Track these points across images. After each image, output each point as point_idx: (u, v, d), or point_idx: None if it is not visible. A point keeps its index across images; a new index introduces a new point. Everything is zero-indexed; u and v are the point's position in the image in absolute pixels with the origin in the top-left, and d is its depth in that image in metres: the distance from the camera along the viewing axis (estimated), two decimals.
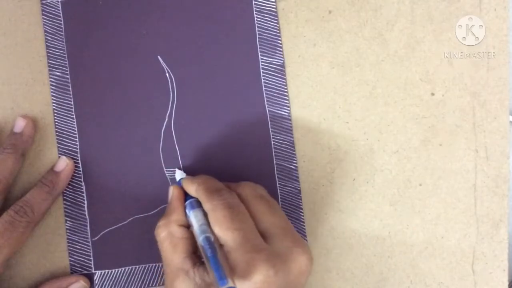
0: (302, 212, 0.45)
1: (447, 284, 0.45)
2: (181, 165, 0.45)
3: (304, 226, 0.45)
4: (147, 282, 0.45)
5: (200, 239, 0.38)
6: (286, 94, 0.45)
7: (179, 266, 0.39)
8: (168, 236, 0.40)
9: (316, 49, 0.45)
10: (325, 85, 0.45)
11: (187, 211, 0.41)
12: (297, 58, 0.45)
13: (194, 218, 0.39)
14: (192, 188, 0.41)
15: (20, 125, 0.44)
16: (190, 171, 0.45)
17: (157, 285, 0.45)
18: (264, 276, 0.36)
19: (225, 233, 0.37)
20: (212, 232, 0.38)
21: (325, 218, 0.45)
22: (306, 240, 0.45)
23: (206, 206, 0.39)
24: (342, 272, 0.45)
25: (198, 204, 0.40)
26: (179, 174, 0.44)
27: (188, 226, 0.40)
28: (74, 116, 0.45)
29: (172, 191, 0.42)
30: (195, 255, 0.39)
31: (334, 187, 0.45)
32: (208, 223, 0.39)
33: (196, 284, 0.38)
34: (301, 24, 0.45)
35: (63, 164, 0.44)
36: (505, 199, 0.45)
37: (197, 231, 0.38)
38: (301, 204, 0.45)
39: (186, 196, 0.42)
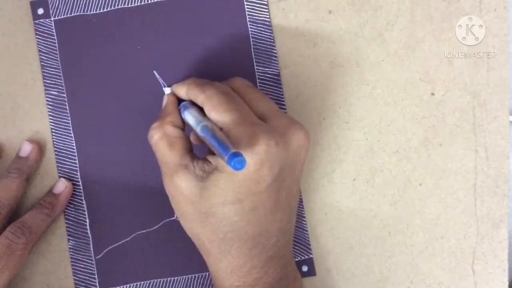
0: (305, 221, 0.45)
1: (447, 284, 0.45)
2: None
3: (306, 226, 0.45)
4: None
5: (198, 129, 0.38)
6: (284, 103, 0.45)
7: (178, 162, 0.39)
8: (164, 136, 0.39)
9: (316, 49, 0.45)
10: (325, 85, 0.45)
11: (181, 114, 0.41)
12: (297, 58, 0.45)
13: (190, 115, 0.40)
14: (182, 90, 0.41)
15: (26, 149, 0.44)
16: None
17: None
18: (266, 146, 0.36)
19: (223, 115, 0.38)
20: (209, 122, 0.38)
21: (325, 218, 0.45)
22: (309, 240, 0.45)
23: (200, 97, 0.39)
24: (342, 272, 0.45)
25: (191, 105, 0.41)
26: (167, 90, 0.44)
27: (182, 128, 0.41)
28: (72, 135, 0.45)
29: (166, 98, 0.42)
30: (192, 153, 0.40)
31: (334, 187, 0.45)
32: (203, 116, 0.39)
33: (197, 176, 0.38)
34: (301, 24, 0.45)
35: (62, 186, 0.44)
36: (505, 199, 0.45)
37: (194, 124, 0.39)
38: (303, 212, 0.45)
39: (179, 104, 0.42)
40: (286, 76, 0.45)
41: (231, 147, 0.35)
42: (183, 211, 0.39)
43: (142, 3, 0.45)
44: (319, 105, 0.45)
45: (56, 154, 0.45)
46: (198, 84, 0.40)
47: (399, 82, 0.45)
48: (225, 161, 0.34)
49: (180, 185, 0.38)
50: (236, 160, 0.34)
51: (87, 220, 0.45)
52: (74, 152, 0.45)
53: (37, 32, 0.45)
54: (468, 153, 0.45)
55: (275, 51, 0.45)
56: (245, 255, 0.38)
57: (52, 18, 0.45)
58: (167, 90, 0.44)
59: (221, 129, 0.38)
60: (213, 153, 0.38)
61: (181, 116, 0.41)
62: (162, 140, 0.39)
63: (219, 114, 0.38)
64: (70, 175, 0.45)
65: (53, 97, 0.45)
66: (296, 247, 0.45)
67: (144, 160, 0.45)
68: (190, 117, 0.40)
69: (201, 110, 0.40)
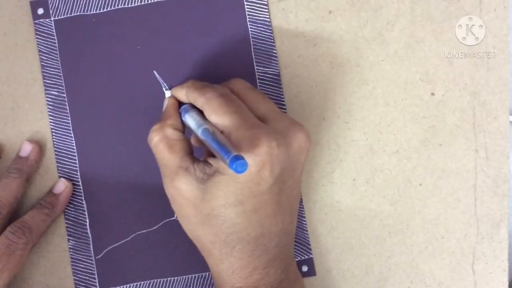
0: (305, 221, 0.45)
1: (447, 284, 0.45)
2: None
3: (306, 226, 0.45)
4: None
5: (199, 132, 0.38)
6: (284, 103, 0.45)
7: (178, 164, 0.39)
8: (163, 138, 0.39)
9: (316, 49, 0.45)
10: (325, 85, 0.45)
11: (182, 117, 0.41)
12: (297, 58, 0.45)
13: (190, 118, 0.40)
14: (182, 93, 0.41)
15: (26, 149, 0.44)
16: None
17: None
18: (268, 148, 0.36)
19: (223, 118, 0.38)
20: (209, 125, 0.38)
21: (325, 218, 0.45)
22: (309, 240, 0.45)
23: (200, 101, 0.39)
24: (342, 272, 0.45)
25: (191, 108, 0.41)
26: (168, 93, 0.44)
27: (183, 131, 0.41)
28: (72, 135, 0.45)
29: (167, 101, 0.42)
30: (192, 156, 0.40)
31: (334, 187, 0.45)
32: (204, 119, 0.39)
33: (198, 178, 0.38)
34: (301, 24, 0.45)
35: (62, 186, 0.44)
36: (505, 199, 0.45)
37: (195, 127, 0.39)
38: (303, 212, 0.45)
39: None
40: (286, 76, 0.45)
41: (233, 150, 0.35)
42: (184, 213, 0.39)
43: (142, 3, 0.45)
44: (319, 105, 0.45)
45: (56, 154, 0.45)
46: (197, 87, 0.40)
47: (399, 82, 0.45)
48: (227, 164, 0.34)
49: (181, 188, 0.38)
50: (238, 163, 0.34)
51: (87, 220, 0.45)
52: (74, 152, 0.45)
53: (37, 32, 0.45)
54: (468, 153, 0.45)
55: (275, 51, 0.45)
56: (247, 257, 0.38)
57: (52, 18, 0.45)
58: (167, 93, 0.44)
59: (222, 132, 0.38)
60: (213, 155, 0.38)
61: (181, 119, 0.41)
62: (161, 142, 0.39)
63: (219, 117, 0.38)
64: (70, 175, 0.45)
65: (53, 97, 0.45)
66: (296, 247, 0.45)
67: (144, 160, 0.45)
68: (190, 120, 0.40)
69: (201, 113, 0.40)
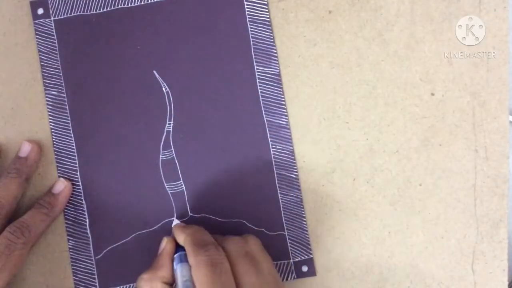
0: (305, 221, 0.45)
1: (447, 284, 0.45)
2: (181, 179, 0.45)
3: (306, 226, 0.45)
4: None
5: (180, 285, 0.38)
6: (284, 103, 0.45)
7: None
8: None
9: (316, 49, 0.45)
10: (325, 85, 0.45)
11: (174, 263, 0.40)
12: (297, 58, 0.45)
13: (180, 273, 0.39)
14: (181, 238, 0.40)
15: (25, 149, 0.44)
16: (191, 183, 0.45)
17: None
18: None
19: None
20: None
21: (325, 218, 0.45)
22: (309, 240, 0.45)
23: (191, 260, 0.38)
24: (342, 272, 0.45)
25: (186, 258, 0.39)
26: (175, 222, 0.43)
27: (172, 283, 0.40)
28: (72, 135, 0.45)
29: (165, 245, 0.41)
30: None
31: (334, 187, 0.45)
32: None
33: None
34: (301, 24, 0.45)
35: (61, 186, 0.44)
36: (505, 199, 0.45)
37: (180, 281, 0.38)
38: (303, 212, 0.45)
39: (177, 246, 0.41)
40: (286, 76, 0.45)
41: None
42: None
43: (142, 3, 0.45)
44: (319, 105, 0.45)
45: (55, 154, 0.45)
46: (194, 241, 0.39)
47: (399, 82, 0.45)
48: None
49: None
50: None
51: (87, 220, 0.45)
52: (74, 152, 0.45)
53: (37, 32, 0.45)
54: (468, 153, 0.45)
55: (275, 51, 0.45)
56: None
57: (52, 18, 0.45)
58: (175, 223, 0.43)
59: None
60: None
61: (173, 265, 0.40)
62: None
63: (201, 285, 0.37)
64: (70, 175, 0.45)
65: (53, 97, 0.45)
66: (296, 247, 0.45)
67: (144, 160, 0.45)
68: (179, 274, 0.39)
69: None
